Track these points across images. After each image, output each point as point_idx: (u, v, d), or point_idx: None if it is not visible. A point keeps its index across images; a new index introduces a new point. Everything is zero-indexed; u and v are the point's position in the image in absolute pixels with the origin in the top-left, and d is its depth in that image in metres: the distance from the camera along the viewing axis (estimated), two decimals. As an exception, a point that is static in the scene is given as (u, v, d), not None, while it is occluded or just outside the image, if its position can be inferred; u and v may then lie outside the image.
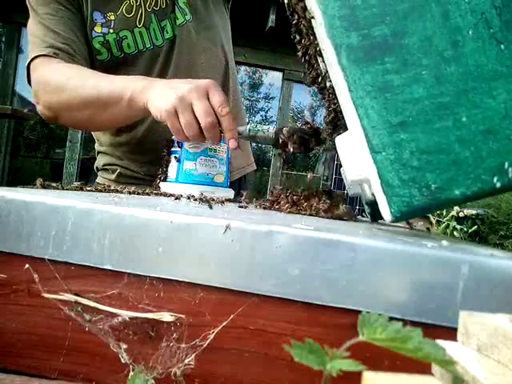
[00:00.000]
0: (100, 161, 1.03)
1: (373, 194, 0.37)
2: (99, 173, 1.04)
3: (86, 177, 3.65)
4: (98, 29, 0.85)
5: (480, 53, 0.34)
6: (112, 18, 0.85)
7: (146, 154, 0.93)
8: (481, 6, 0.34)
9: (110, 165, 1.00)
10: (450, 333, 0.26)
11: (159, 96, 0.67)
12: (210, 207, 0.40)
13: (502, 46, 0.33)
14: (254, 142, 0.69)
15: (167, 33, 0.90)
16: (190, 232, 0.33)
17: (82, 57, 0.83)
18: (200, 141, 0.71)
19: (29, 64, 0.81)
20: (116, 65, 0.87)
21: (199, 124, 0.65)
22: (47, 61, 0.79)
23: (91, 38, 0.85)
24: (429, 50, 0.34)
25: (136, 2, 0.86)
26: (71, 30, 0.82)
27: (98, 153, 1.05)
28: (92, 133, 1.05)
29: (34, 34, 0.81)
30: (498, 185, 0.33)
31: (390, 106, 0.34)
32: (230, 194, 0.80)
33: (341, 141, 0.41)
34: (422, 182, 0.34)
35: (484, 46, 0.34)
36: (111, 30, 0.85)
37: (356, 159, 0.37)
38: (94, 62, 0.87)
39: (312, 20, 0.39)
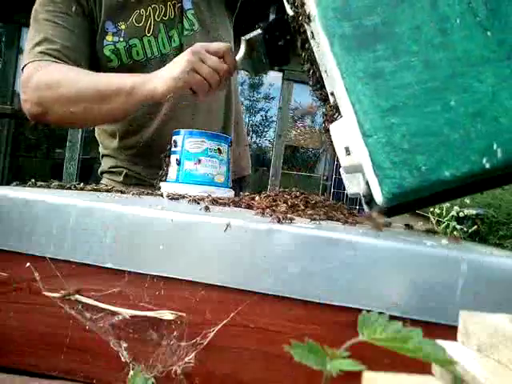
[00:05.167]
0: (105, 164, 1.04)
1: (367, 183, 0.37)
2: (105, 175, 1.04)
3: (87, 177, 3.64)
4: (109, 38, 0.88)
5: (468, 40, 0.35)
6: (123, 27, 0.88)
7: (151, 157, 0.93)
8: None
9: (116, 167, 1.01)
10: (450, 331, 0.26)
11: (168, 72, 0.74)
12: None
13: (489, 33, 0.35)
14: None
15: (174, 42, 0.93)
16: (190, 230, 0.33)
17: (75, 64, 0.84)
18: (217, 88, 0.76)
19: (22, 69, 0.83)
20: (125, 72, 0.88)
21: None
22: (40, 64, 0.81)
23: (102, 46, 0.88)
24: (418, 38, 0.36)
25: (146, 12, 0.89)
26: (68, 37, 0.83)
27: (103, 156, 1.06)
28: (96, 136, 1.06)
29: (30, 41, 0.83)
30: (488, 166, 0.34)
31: (381, 91, 0.35)
32: (231, 194, 0.80)
33: (335, 128, 0.42)
34: (413, 163, 0.35)
35: (471, 33, 0.35)
36: (121, 39, 0.88)
37: (349, 145, 0.38)
38: (101, 68, 0.89)
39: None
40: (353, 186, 0.44)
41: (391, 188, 0.34)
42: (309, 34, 0.44)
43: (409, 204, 0.44)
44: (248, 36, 0.69)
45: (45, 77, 0.79)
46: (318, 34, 0.39)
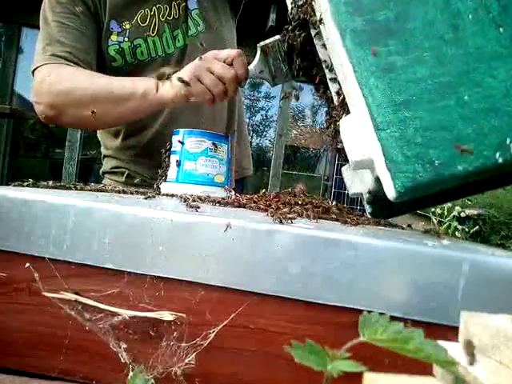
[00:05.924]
0: (107, 164, 1.04)
1: (377, 178, 0.37)
2: (106, 175, 1.05)
3: (86, 177, 3.65)
4: (113, 37, 0.88)
5: (480, 35, 0.35)
6: (127, 27, 0.88)
7: (152, 157, 0.94)
8: None
9: (117, 168, 1.01)
10: (451, 331, 0.26)
11: (174, 79, 0.73)
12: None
13: (501, 29, 0.35)
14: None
15: (178, 41, 0.93)
16: (190, 231, 0.33)
17: (87, 65, 0.85)
18: (223, 97, 0.74)
19: (33, 71, 0.83)
20: (129, 71, 0.90)
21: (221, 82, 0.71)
22: (53, 67, 0.81)
23: (107, 46, 0.88)
24: (430, 33, 0.36)
25: (150, 12, 0.90)
26: (78, 38, 0.84)
27: (104, 157, 1.06)
28: (98, 137, 1.06)
29: (40, 42, 0.84)
30: (501, 160, 0.34)
31: (394, 85, 0.35)
32: (231, 194, 0.80)
33: (344, 123, 0.41)
34: (426, 158, 0.35)
35: (484, 29, 0.35)
36: (126, 39, 0.89)
37: (359, 140, 0.38)
38: (105, 69, 0.89)
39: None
40: (355, 185, 0.44)
41: (404, 182, 0.34)
42: (312, 31, 0.44)
43: (411, 203, 0.44)
44: (263, 42, 0.65)
45: (58, 80, 0.79)
46: (328, 29, 0.38)
